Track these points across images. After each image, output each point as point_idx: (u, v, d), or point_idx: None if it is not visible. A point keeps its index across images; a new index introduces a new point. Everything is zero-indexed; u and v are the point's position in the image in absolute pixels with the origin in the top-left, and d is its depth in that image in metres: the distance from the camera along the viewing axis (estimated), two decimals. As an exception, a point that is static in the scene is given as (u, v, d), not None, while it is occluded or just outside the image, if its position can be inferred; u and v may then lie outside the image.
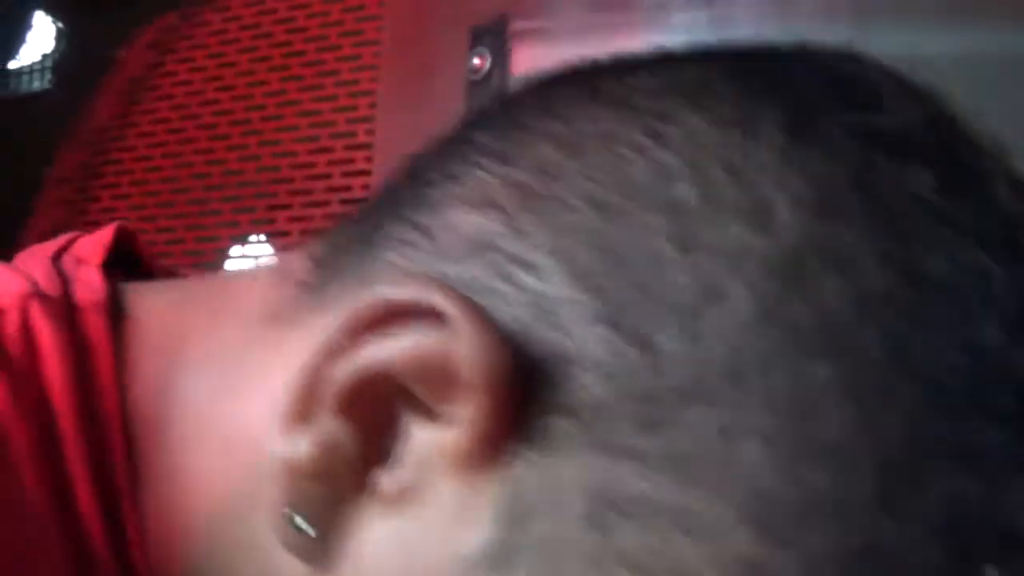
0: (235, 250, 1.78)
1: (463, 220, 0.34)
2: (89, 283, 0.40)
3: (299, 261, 0.39)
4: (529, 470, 0.31)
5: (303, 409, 0.33)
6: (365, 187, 1.55)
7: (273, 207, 1.68)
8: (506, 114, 0.38)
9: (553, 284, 0.32)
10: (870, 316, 0.30)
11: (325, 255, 0.38)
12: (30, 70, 2.06)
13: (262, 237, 1.75)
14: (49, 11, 2.10)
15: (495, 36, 1.34)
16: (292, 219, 1.66)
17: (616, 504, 0.31)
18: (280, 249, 1.67)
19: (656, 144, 0.33)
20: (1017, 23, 1.18)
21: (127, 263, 0.44)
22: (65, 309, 0.38)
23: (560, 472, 0.31)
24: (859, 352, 0.30)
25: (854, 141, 0.33)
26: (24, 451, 0.35)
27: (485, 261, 0.33)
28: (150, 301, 0.40)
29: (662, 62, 0.37)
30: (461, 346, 0.31)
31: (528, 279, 0.33)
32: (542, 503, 0.31)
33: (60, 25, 2.10)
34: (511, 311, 0.32)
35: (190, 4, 1.86)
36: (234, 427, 0.36)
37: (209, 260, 1.74)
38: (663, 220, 0.32)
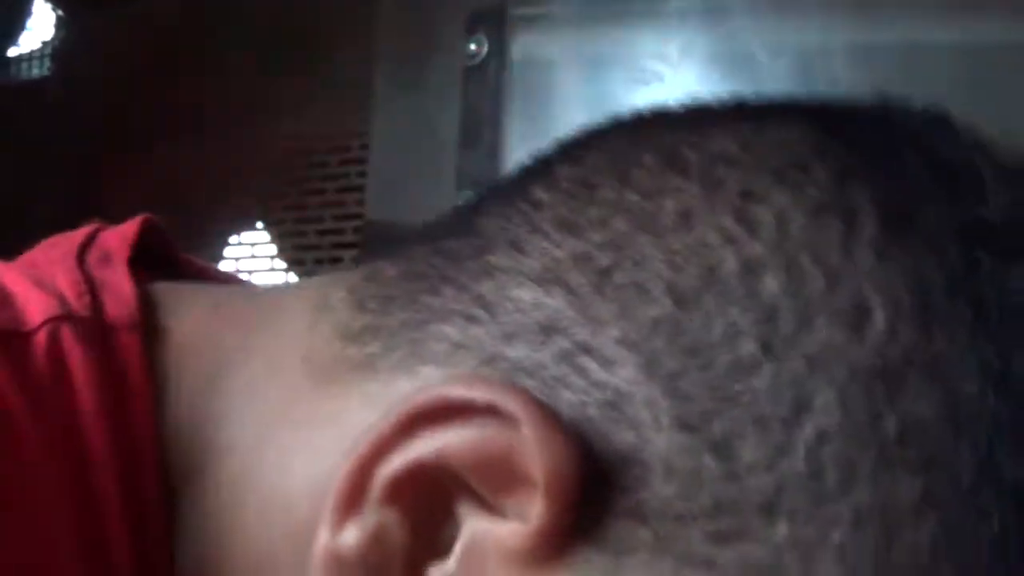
0: (234, 239, 1.77)
1: (529, 298, 0.32)
2: (120, 294, 0.38)
3: (336, 295, 0.37)
4: (595, 575, 0.30)
5: (352, 500, 0.32)
6: (361, 175, 1.54)
7: (269, 195, 1.68)
8: (573, 171, 0.35)
9: (628, 380, 0.31)
10: (962, 433, 0.29)
11: (366, 298, 0.36)
12: (30, 57, 2.06)
13: (259, 225, 1.75)
14: (49, -1, 2.10)
15: (493, 22, 1.34)
16: (288, 207, 1.65)
17: None
18: (279, 241, 1.67)
19: (744, 231, 0.31)
20: (1019, 13, 1.17)
21: (150, 253, 0.43)
22: (98, 331, 0.36)
23: None
24: (949, 471, 0.29)
25: (956, 237, 0.31)
26: (52, 494, 0.33)
27: (552, 348, 0.32)
28: (184, 316, 0.39)
29: (739, 119, 0.35)
30: (527, 446, 0.30)
31: (601, 372, 0.31)
32: None
33: (60, 13, 2.10)
34: (580, 405, 0.31)
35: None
36: (275, 488, 0.35)
37: (207, 247, 1.73)
38: (750, 319, 0.30)
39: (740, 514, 0.29)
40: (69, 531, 0.34)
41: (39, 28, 2.08)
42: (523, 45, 1.30)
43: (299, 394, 0.36)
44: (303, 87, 1.67)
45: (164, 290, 0.40)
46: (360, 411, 0.33)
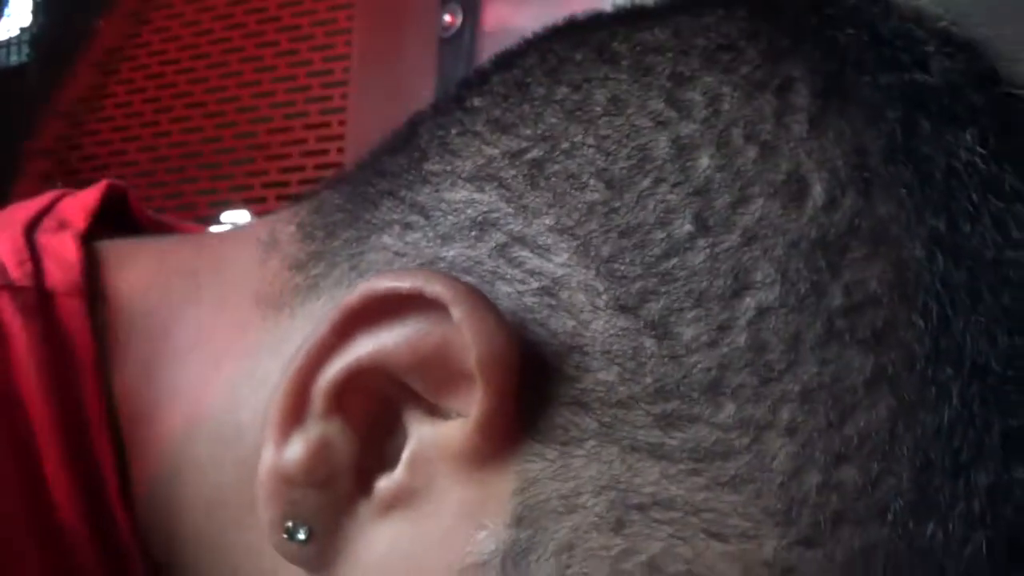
0: (224, 216, 1.77)
1: (463, 198, 0.32)
2: (62, 258, 0.38)
3: (285, 230, 0.37)
4: (543, 468, 0.30)
5: (293, 412, 0.31)
6: (340, 151, 1.55)
7: (250, 173, 1.68)
8: (507, 76, 0.35)
9: (563, 266, 0.31)
10: (912, 299, 0.29)
11: (313, 228, 0.36)
12: (8, 44, 2.06)
13: (241, 204, 1.76)
14: (26, -15, 2.10)
15: (466, -7, 1.34)
16: (268, 184, 1.65)
17: (639, 506, 0.29)
18: (258, 215, 1.67)
19: (675, 113, 0.31)
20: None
21: (121, 221, 0.42)
22: (36, 297, 0.36)
23: (577, 471, 0.30)
24: (901, 344, 0.29)
25: (894, 103, 0.31)
26: None
27: (488, 243, 0.32)
28: (130, 273, 0.38)
29: (675, 13, 0.34)
30: (463, 335, 0.30)
31: (536, 261, 0.31)
32: (560, 504, 0.30)
33: (38, -1, 2.10)
34: (517, 296, 0.31)
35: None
36: (224, 421, 0.35)
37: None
38: (684, 198, 0.30)
39: (684, 396, 0.29)
40: (12, 498, 0.33)
41: (17, 14, 2.08)
42: (496, 14, 1.30)
43: (248, 328, 0.36)
44: (283, 66, 1.67)
45: (111, 249, 0.39)
46: (303, 331, 0.33)
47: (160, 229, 0.45)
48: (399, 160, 0.35)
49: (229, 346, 0.36)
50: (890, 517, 0.28)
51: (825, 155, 0.30)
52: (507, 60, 0.36)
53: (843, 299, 0.29)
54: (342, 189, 0.37)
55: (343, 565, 0.32)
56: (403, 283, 0.30)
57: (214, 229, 1.83)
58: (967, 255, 0.29)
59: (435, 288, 0.30)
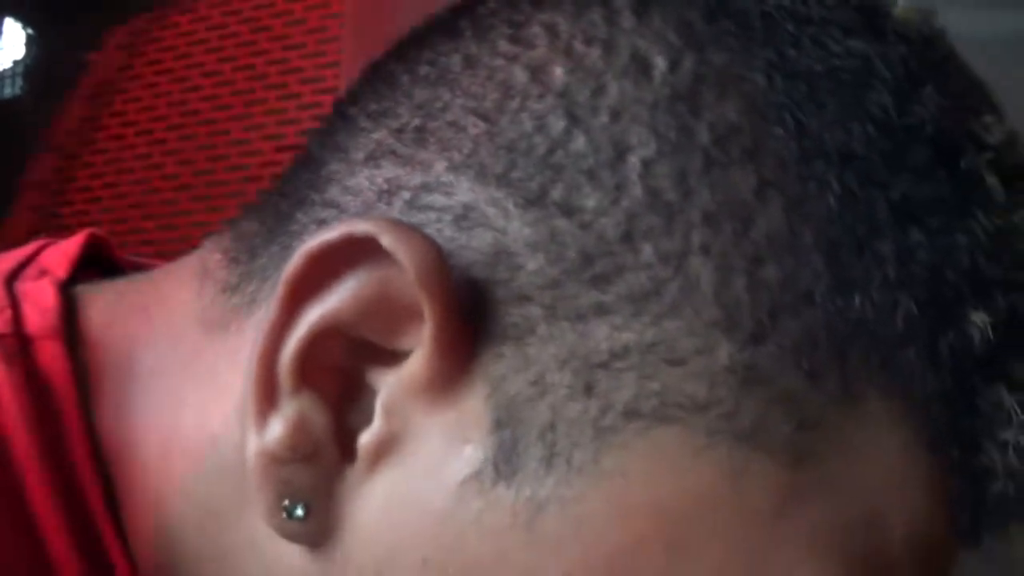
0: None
1: (365, 178, 0.34)
2: (40, 304, 0.38)
3: (212, 258, 0.38)
4: (506, 365, 0.32)
5: (266, 396, 0.32)
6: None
7: (243, 205, 1.69)
8: (373, 78, 0.37)
9: (467, 192, 0.33)
10: (768, 117, 0.32)
11: (237, 253, 0.37)
12: (1, 76, 2.07)
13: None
14: (19, 18, 2.11)
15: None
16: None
17: (601, 364, 0.31)
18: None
19: (521, 48, 0.34)
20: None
21: (106, 269, 0.42)
22: (17, 343, 0.37)
23: (536, 356, 0.32)
24: (768, 150, 0.32)
25: None
26: None
27: (397, 204, 0.34)
28: (95, 313, 0.39)
29: None
30: (398, 265, 0.31)
31: (443, 199, 0.33)
32: (530, 391, 0.32)
33: (31, 31, 2.11)
34: (437, 233, 0.33)
35: (158, 6, 1.87)
36: (200, 438, 0.36)
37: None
38: (549, 103, 0.33)
39: (606, 253, 0.31)
40: (3, 539, 0.34)
41: (10, 47, 2.09)
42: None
43: (200, 353, 0.37)
44: (274, 99, 1.68)
45: (85, 292, 0.40)
46: (254, 335, 0.34)
47: (139, 271, 0.46)
48: (300, 175, 0.37)
49: (187, 374, 0.37)
50: (818, 299, 0.31)
51: (656, 34, 0.33)
52: (370, 69, 0.38)
53: (710, 133, 0.32)
54: (255, 215, 0.38)
55: (346, 531, 0.33)
56: (331, 234, 0.32)
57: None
58: (801, 72, 0.32)
59: (361, 227, 0.32)
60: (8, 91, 2.05)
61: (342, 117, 0.37)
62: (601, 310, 0.31)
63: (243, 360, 0.34)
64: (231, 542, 0.35)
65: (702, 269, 0.31)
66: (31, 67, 2.06)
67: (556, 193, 0.32)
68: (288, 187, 0.37)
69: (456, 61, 0.35)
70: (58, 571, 0.35)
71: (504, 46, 0.34)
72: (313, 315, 0.32)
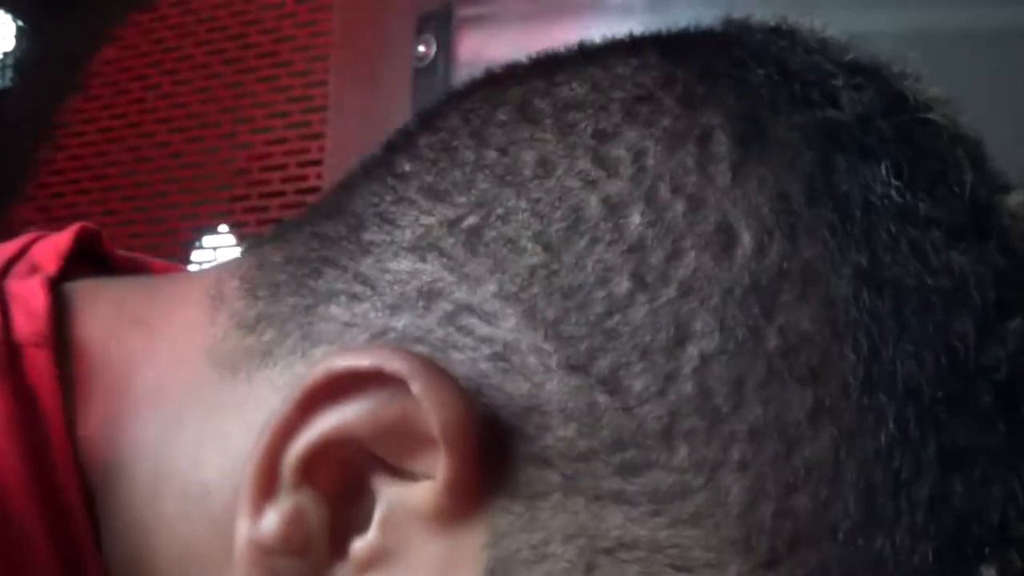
0: (204, 240, 1.79)
1: (406, 268, 0.33)
2: (30, 307, 0.37)
3: (230, 284, 0.37)
4: (512, 522, 0.31)
5: (265, 486, 0.32)
6: (319, 176, 1.56)
7: (231, 199, 1.69)
8: (433, 138, 0.35)
9: (512, 331, 0.31)
10: (843, 335, 0.30)
11: (256, 286, 0.36)
12: (-9, 68, 2.07)
13: (223, 228, 1.77)
14: (10, 10, 2.10)
15: (440, 23, 1.35)
16: (249, 209, 1.67)
17: (607, 549, 0.30)
18: (243, 243, 1.68)
19: (602, 171, 0.31)
20: None
21: (97, 262, 0.42)
22: (4, 350, 0.36)
23: (545, 522, 0.31)
24: (833, 373, 0.30)
25: (810, 143, 0.31)
26: None
27: (436, 312, 0.32)
28: (90, 321, 0.38)
29: (587, 64, 0.34)
30: (421, 405, 0.30)
31: (485, 328, 0.31)
32: (530, 554, 0.31)
33: (21, 23, 2.11)
34: (471, 363, 0.31)
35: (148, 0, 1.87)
36: (190, 480, 0.35)
37: (171, 252, 1.75)
38: (619, 256, 0.31)
39: (640, 444, 0.30)
40: None
41: (0, 39, 2.08)
42: (470, 45, 1.31)
43: (205, 386, 0.36)
44: (263, 92, 1.68)
45: (78, 293, 0.39)
46: (264, 397, 0.34)
47: (133, 268, 0.45)
48: (336, 226, 0.36)
49: (188, 405, 0.36)
50: (841, 536, 0.30)
51: (750, 203, 0.31)
52: (432, 119, 0.36)
53: (778, 340, 0.30)
54: (282, 246, 0.37)
55: None
56: (362, 361, 0.31)
57: (194, 255, 1.84)
58: (890, 286, 0.30)
59: (394, 365, 0.31)
60: (-2, 82, 2.04)
61: (392, 172, 0.35)
62: (620, 498, 0.30)
63: (247, 415, 0.33)
64: None
65: (734, 486, 0.30)
66: (21, 59, 2.06)
67: (604, 363, 0.30)
68: (321, 231, 0.36)
69: (529, 160, 0.32)
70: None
71: (583, 163, 0.32)
72: (327, 423, 0.31)
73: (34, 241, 0.41)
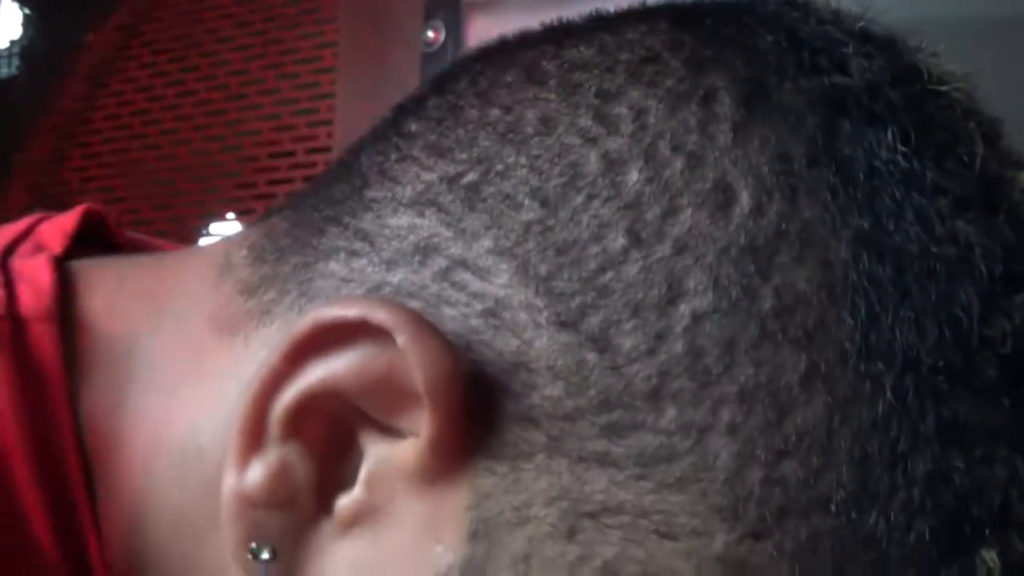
0: (212, 228, 1.78)
1: (404, 224, 0.33)
2: (35, 284, 0.37)
3: (238, 253, 0.37)
4: (495, 483, 0.30)
5: (252, 438, 0.32)
6: (327, 163, 1.55)
7: (239, 186, 1.69)
8: (440, 99, 0.35)
9: (504, 287, 0.31)
10: (841, 299, 0.29)
11: (263, 252, 0.36)
12: (-2, 56, 2.07)
13: (231, 216, 1.76)
14: (16, -2, 2.11)
15: (449, 8, 1.35)
16: (257, 197, 1.66)
17: (590, 513, 0.30)
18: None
19: (603, 129, 0.31)
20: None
21: (102, 244, 0.42)
22: (9, 325, 0.36)
23: (528, 483, 0.30)
24: (830, 338, 0.29)
25: (815, 107, 0.31)
26: None
27: (431, 267, 0.32)
28: (94, 296, 0.38)
29: (598, 29, 0.34)
30: (407, 359, 0.30)
31: (478, 283, 0.31)
32: (513, 516, 0.30)
33: (27, 11, 2.11)
34: (462, 318, 0.31)
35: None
36: (186, 444, 0.35)
37: (177, 239, 1.74)
38: (615, 212, 0.30)
39: (627, 405, 0.29)
40: None
41: (7, 27, 2.09)
42: (478, 29, 1.31)
43: (204, 353, 0.36)
44: (271, 79, 1.68)
45: (82, 271, 0.39)
46: (258, 356, 0.33)
47: (139, 249, 0.45)
48: (342, 187, 0.35)
49: (187, 372, 0.36)
50: (833, 508, 0.29)
51: (750, 163, 0.30)
52: (441, 83, 0.36)
53: (774, 301, 0.29)
54: (289, 214, 0.37)
55: None
56: (348, 311, 0.31)
57: (201, 243, 1.84)
58: (892, 251, 0.29)
59: (379, 316, 0.30)
60: (5, 71, 2.04)
61: (398, 132, 0.35)
62: (606, 460, 0.30)
63: (243, 375, 0.33)
64: (198, 560, 0.34)
65: (722, 451, 0.29)
66: (28, 47, 2.06)
67: (594, 321, 0.30)
68: (325, 194, 0.36)
69: (532, 118, 0.32)
70: (38, 556, 0.35)
71: (585, 120, 0.31)
72: (314, 375, 0.31)
73: (39, 222, 0.41)
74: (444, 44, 1.35)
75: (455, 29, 1.34)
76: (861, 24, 0.33)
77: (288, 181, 1.64)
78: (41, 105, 1.95)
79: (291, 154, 1.64)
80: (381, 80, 1.45)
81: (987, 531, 0.29)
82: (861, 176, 0.30)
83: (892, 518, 0.29)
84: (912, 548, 0.29)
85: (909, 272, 0.29)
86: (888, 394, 0.29)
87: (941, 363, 0.29)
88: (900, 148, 0.30)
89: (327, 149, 1.58)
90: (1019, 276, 0.30)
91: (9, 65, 2.07)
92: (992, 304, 0.29)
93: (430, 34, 1.35)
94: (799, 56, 0.31)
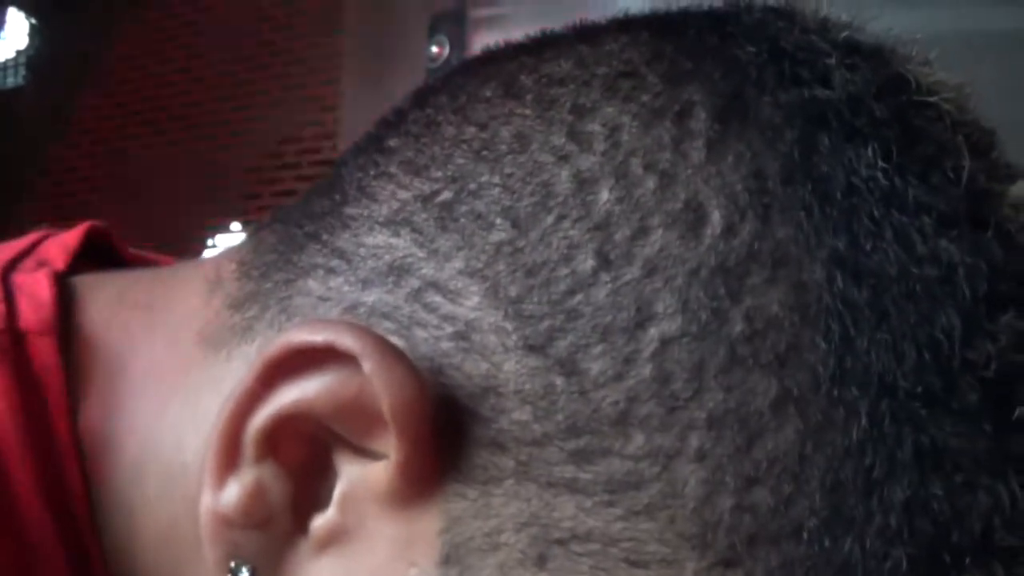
0: (216, 240, 1.79)
1: (380, 243, 0.32)
2: (36, 296, 0.37)
3: (228, 267, 0.36)
4: (466, 507, 0.30)
5: (227, 458, 0.31)
6: (332, 175, 1.56)
7: (244, 196, 1.70)
8: (420, 114, 0.34)
9: (474, 309, 0.30)
10: (814, 322, 0.28)
11: (250, 267, 0.36)
12: (4, 67, 2.07)
13: (236, 226, 1.77)
14: (23, 8, 2.11)
15: (453, 24, 1.36)
16: (262, 208, 1.67)
17: (560, 540, 0.29)
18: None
19: (575, 146, 0.30)
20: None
21: (107, 261, 0.41)
22: (10, 338, 0.36)
23: (498, 509, 0.30)
24: (802, 362, 0.28)
25: (793, 122, 0.30)
26: None
27: (404, 288, 0.31)
28: (93, 308, 0.38)
29: (579, 41, 0.33)
30: (375, 384, 0.29)
31: (448, 306, 0.31)
32: (484, 542, 0.30)
33: (34, 22, 2.11)
34: (434, 341, 0.30)
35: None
36: (172, 458, 0.35)
37: (182, 250, 1.75)
38: (585, 233, 0.29)
39: (595, 431, 0.29)
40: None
41: (13, 37, 2.09)
42: (482, 45, 1.31)
43: (191, 367, 0.35)
44: (275, 91, 1.68)
45: (83, 285, 0.38)
46: (239, 372, 0.32)
47: (143, 265, 0.45)
48: (323, 202, 0.35)
49: (175, 386, 0.36)
50: (805, 536, 0.28)
51: (723, 181, 0.29)
52: (423, 96, 0.35)
53: (744, 325, 0.28)
54: (277, 228, 0.36)
55: None
56: (316, 337, 0.30)
57: (206, 255, 1.83)
58: (869, 273, 0.28)
59: (346, 342, 0.30)
60: (11, 80, 2.05)
61: (378, 147, 0.34)
62: (574, 487, 0.29)
63: (224, 391, 0.32)
64: (189, 572, 0.34)
65: (690, 478, 0.28)
66: (34, 57, 2.06)
67: (562, 345, 0.29)
68: (310, 210, 0.35)
69: (506, 136, 0.31)
70: (46, 570, 0.35)
71: (558, 138, 0.31)
72: (287, 397, 0.30)
73: (43, 239, 0.41)
74: (448, 59, 1.35)
75: (459, 44, 1.34)
76: (846, 34, 0.32)
77: (292, 192, 1.65)
78: (47, 114, 1.96)
79: (296, 166, 1.65)
80: (385, 93, 1.46)
81: (967, 559, 0.28)
82: (838, 194, 0.29)
83: (867, 545, 0.28)
84: None
85: (887, 294, 0.28)
86: (863, 420, 0.28)
87: (919, 388, 0.28)
88: (881, 164, 0.29)
89: (331, 162, 1.59)
90: (1005, 296, 0.29)
91: (15, 75, 2.08)
92: (975, 326, 0.28)
93: (434, 49, 1.36)
94: (779, 68, 0.30)
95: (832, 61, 0.30)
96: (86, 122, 1.89)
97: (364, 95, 1.50)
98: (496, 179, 0.31)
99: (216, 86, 1.77)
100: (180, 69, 1.83)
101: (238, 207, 1.73)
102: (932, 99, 0.30)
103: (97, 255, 0.41)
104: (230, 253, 0.38)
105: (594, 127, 0.31)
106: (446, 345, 0.30)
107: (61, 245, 0.40)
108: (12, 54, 2.07)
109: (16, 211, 1.90)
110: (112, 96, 1.89)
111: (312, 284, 0.33)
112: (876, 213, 0.29)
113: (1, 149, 1.93)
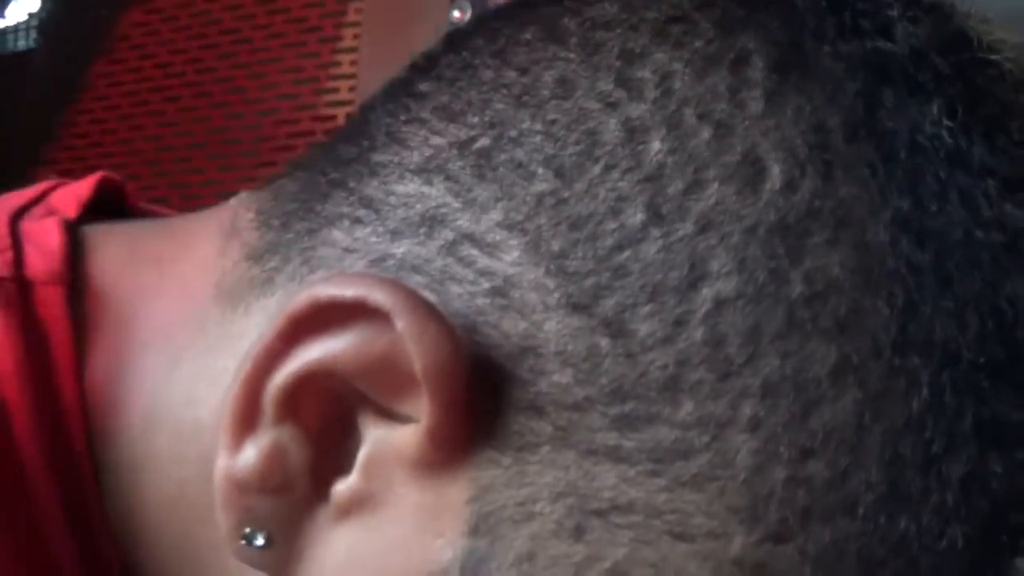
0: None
1: (411, 192, 0.31)
2: (44, 245, 0.36)
3: (245, 216, 0.35)
4: (498, 475, 0.29)
5: (245, 419, 0.30)
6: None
7: (257, 165, 1.68)
8: (454, 59, 0.33)
9: (514, 265, 0.29)
10: (877, 287, 0.27)
11: (270, 216, 0.34)
12: (16, 29, 2.06)
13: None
14: (35, -29, 2.10)
15: (475, -11, 1.34)
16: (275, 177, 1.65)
17: (599, 511, 0.28)
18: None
19: (624, 93, 0.29)
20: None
21: (117, 213, 0.40)
22: (16, 287, 0.35)
23: (533, 477, 0.28)
24: (863, 328, 0.27)
25: (855, 75, 0.28)
26: None
27: (436, 240, 0.30)
28: (103, 259, 0.37)
29: None
30: (407, 343, 0.28)
31: (485, 260, 0.29)
32: (516, 512, 0.28)
33: (46, -15, 2.10)
34: (468, 297, 0.29)
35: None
36: (184, 417, 0.34)
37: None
38: (635, 185, 0.28)
39: (641, 396, 0.27)
40: None
41: (25, 0, 2.08)
42: (506, 11, 1.30)
43: (207, 322, 0.34)
44: (291, 57, 1.67)
45: (93, 235, 0.37)
46: (258, 327, 0.31)
47: (151, 215, 0.43)
48: (349, 148, 0.33)
49: (188, 341, 0.34)
50: (860, 511, 0.27)
51: (783, 134, 0.28)
52: (457, 40, 0.33)
53: (804, 287, 0.27)
54: (299, 176, 0.35)
55: (304, 570, 0.31)
56: (346, 291, 0.29)
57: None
58: (934, 236, 0.27)
59: (377, 297, 0.28)
60: (23, 43, 2.04)
61: (409, 92, 0.33)
62: (616, 455, 0.28)
63: (240, 348, 0.31)
64: (196, 537, 0.33)
65: (742, 448, 0.27)
66: (46, 20, 2.05)
67: (608, 304, 0.28)
68: (334, 156, 0.34)
69: (549, 80, 0.30)
70: (44, 524, 0.33)
71: (605, 84, 0.29)
72: (311, 354, 0.29)
73: (53, 188, 0.40)
74: (470, 25, 1.33)
75: (482, 8, 1.32)
76: None
77: (307, 161, 1.63)
78: (58, 78, 1.94)
79: (310, 134, 1.63)
80: (404, 60, 1.44)
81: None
82: (903, 153, 0.27)
83: (923, 523, 0.27)
84: (944, 555, 0.27)
85: (951, 259, 0.27)
86: (924, 391, 0.27)
87: (982, 358, 0.27)
88: (946, 122, 0.28)
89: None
90: None
91: (26, 38, 2.06)
92: None
93: (456, 14, 1.34)
94: (839, 18, 0.29)
95: (894, 13, 0.29)
96: (97, 87, 1.87)
97: (382, 62, 1.48)
98: (538, 126, 0.29)
99: (230, 53, 1.75)
100: (194, 35, 1.82)
101: (251, 175, 1.72)
102: (994, 57, 0.29)
103: (108, 208, 0.40)
104: (247, 201, 0.36)
105: (644, 73, 0.29)
106: (482, 302, 0.29)
107: (72, 194, 0.39)
108: (24, 17, 2.06)
109: (26, 175, 1.88)
110: (124, 61, 1.88)
111: (337, 234, 0.31)
112: (941, 174, 0.27)
113: (11, 112, 1.92)
